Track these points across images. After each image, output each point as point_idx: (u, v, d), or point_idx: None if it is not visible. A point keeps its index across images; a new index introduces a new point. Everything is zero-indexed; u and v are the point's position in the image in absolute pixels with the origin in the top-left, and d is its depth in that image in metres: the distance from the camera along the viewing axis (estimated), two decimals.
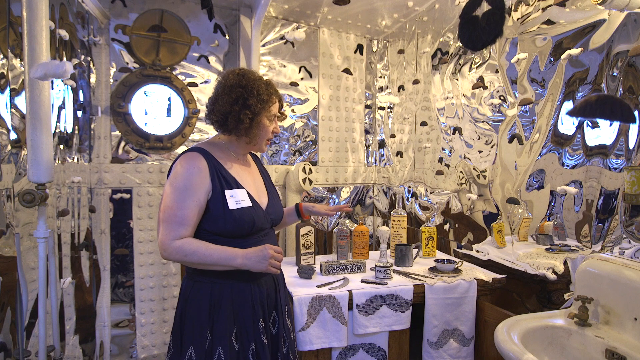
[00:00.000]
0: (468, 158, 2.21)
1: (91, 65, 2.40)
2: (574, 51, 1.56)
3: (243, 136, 1.41)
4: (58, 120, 1.95)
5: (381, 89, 3.24)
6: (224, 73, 1.44)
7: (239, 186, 1.38)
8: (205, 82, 2.70)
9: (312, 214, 1.70)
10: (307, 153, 3.08)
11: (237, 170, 1.42)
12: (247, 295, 1.36)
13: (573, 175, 1.58)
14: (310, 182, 2.90)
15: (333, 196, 3.19)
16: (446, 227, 2.41)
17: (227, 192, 1.33)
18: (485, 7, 2.04)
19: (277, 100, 1.46)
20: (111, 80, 2.49)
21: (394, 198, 2.95)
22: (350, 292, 1.67)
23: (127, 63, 2.52)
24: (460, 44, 2.23)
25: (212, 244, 1.29)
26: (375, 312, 1.68)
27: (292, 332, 1.52)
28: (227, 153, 1.43)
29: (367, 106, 3.29)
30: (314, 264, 2.05)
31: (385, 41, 3.20)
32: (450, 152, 2.37)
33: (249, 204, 1.36)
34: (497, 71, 2.00)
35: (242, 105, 1.35)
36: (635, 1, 1.23)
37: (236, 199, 1.34)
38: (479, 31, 2.07)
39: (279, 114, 1.50)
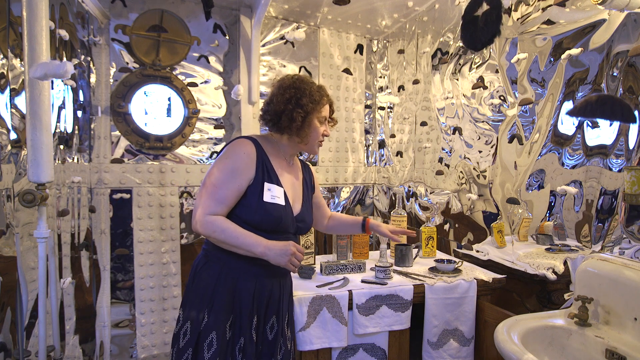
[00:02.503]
0: (468, 158, 2.21)
1: (91, 65, 2.40)
2: (574, 51, 1.56)
3: (295, 135, 1.46)
4: (58, 120, 1.95)
5: (381, 89, 3.24)
6: (281, 77, 1.52)
7: (278, 183, 1.43)
8: (205, 82, 2.70)
9: (376, 232, 1.73)
10: (307, 153, 3.08)
11: (281, 168, 1.48)
12: (250, 289, 1.38)
13: (573, 175, 1.58)
14: None
15: (333, 196, 3.19)
16: (446, 227, 2.41)
17: (266, 185, 1.39)
18: (485, 7, 2.04)
19: (328, 104, 1.53)
20: (111, 80, 2.49)
21: (394, 198, 2.95)
22: (350, 292, 1.67)
23: (127, 63, 2.52)
24: (462, 44, 2.24)
25: (241, 228, 1.33)
26: (375, 312, 1.68)
27: (289, 342, 1.52)
28: (276, 150, 1.49)
29: (367, 106, 3.29)
30: (314, 264, 2.05)
31: (385, 41, 3.20)
32: (450, 152, 2.36)
33: (282, 202, 1.41)
34: (497, 71, 2.00)
35: (295, 104, 1.42)
36: (635, 1, 1.23)
37: (272, 194, 1.39)
38: (478, 31, 2.07)
39: (330, 119, 1.57)
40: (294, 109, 1.42)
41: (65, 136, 2.06)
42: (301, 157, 1.91)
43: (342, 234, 1.97)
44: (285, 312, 1.50)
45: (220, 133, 2.76)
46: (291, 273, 1.88)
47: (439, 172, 2.46)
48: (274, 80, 1.53)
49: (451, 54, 2.34)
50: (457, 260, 2.06)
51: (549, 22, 1.70)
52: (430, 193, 2.56)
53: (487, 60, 2.06)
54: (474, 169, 2.16)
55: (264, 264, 1.37)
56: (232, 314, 1.37)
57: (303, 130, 1.45)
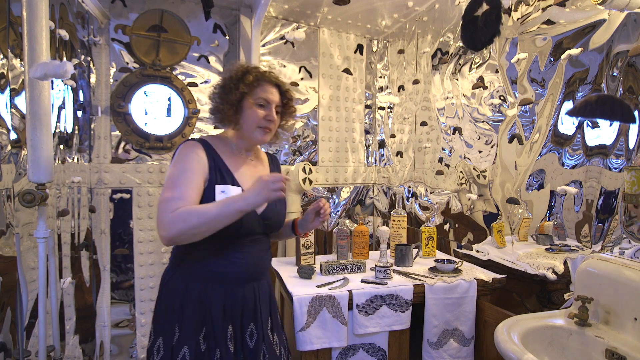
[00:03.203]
0: (468, 158, 2.21)
1: (91, 65, 2.40)
2: (574, 51, 1.56)
3: (233, 127, 1.39)
4: (58, 120, 1.95)
5: (381, 89, 3.24)
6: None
7: (234, 183, 1.33)
8: (205, 82, 2.70)
9: (305, 226, 1.57)
10: (307, 153, 3.08)
11: (237, 166, 1.39)
12: (220, 298, 1.31)
13: (573, 175, 1.58)
14: (310, 182, 2.90)
15: (333, 196, 3.19)
16: (446, 227, 2.41)
17: (218, 187, 1.29)
18: (485, 7, 2.04)
19: (270, 88, 1.38)
20: (111, 80, 2.49)
21: (394, 198, 2.95)
22: (350, 292, 1.67)
23: (127, 63, 2.52)
24: (462, 44, 2.24)
25: (210, 203, 1.23)
26: (375, 312, 1.68)
27: (277, 347, 1.44)
28: (228, 147, 1.40)
29: (367, 106, 3.29)
30: (314, 264, 2.05)
31: (385, 41, 3.20)
32: (450, 152, 2.36)
33: None
34: (497, 71, 2.00)
35: (220, 94, 1.36)
36: (635, 1, 1.23)
37: (227, 195, 1.28)
38: (478, 31, 2.08)
39: (283, 105, 1.43)
40: (223, 101, 1.36)
41: (65, 136, 2.06)
42: (267, 150, 1.71)
43: (284, 239, 1.69)
44: (266, 317, 1.43)
45: None
46: (291, 273, 1.89)
47: (439, 172, 2.46)
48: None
49: (451, 54, 2.34)
50: (457, 260, 2.06)
51: (549, 22, 1.70)
52: (430, 193, 2.56)
53: (487, 60, 2.06)
54: (474, 169, 2.16)
55: (233, 270, 1.32)
56: (204, 325, 1.30)
57: (236, 117, 1.36)
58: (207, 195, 1.28)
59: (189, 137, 1.41)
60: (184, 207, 1.19)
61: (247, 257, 1.36)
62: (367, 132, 3.30)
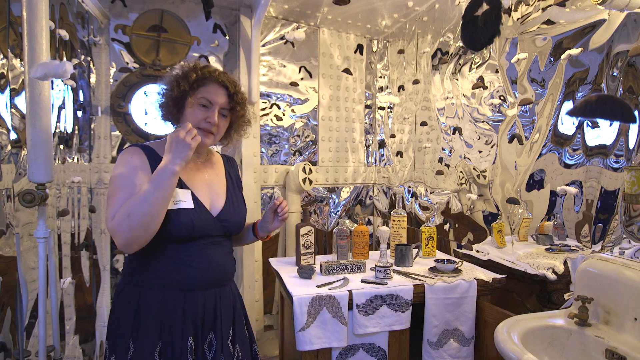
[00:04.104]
0: (468, 158, 2.21)
1: (91, 65, 2.40)
2: (574, 51, 1.56)
3: (178, 124, 1.32)
4: (58, 120, 1.95)
5: (381, 89, 3.24)
6: None
7: (182, 185, 1.26)
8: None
9: (265, 227, 1.50)
10: (307, 153, 3.08)
11: (186, 169, 1.30)
12: (178, 306, 1.23)
13: (573, 175, 1.58)
14: (310, 182, 2.90)
15: (333, 196, 3.19)
16: (446, 227, 2.41)
17: None
18: (485, 7, 2.04)
19: (216, 87, 1.30)
20: (111, 80, 2.49)
21: (394, 198, 2.95)
22: (350, 292, 1.67)
23: (127, 63, 2.52)
24: (462, 44, 2.24)
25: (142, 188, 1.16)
26: (375, 312, 1.68)
27: (238, 357, 1.35)
28: None
29: (367, 106, 3.29)
30: (314, 264, 2.05)
31: (385, 41, 3.20)
32: (450, 152, 2.37)
33: (190, 205, 1.24)
34: (497, 71, 2.00)
35: (162, 97, 1.31)
36: (635, 1, 1.23)
37: (175, 199, 1.22)
38: (478, 31, 2.08)
39: (231, 108, 1.34)
40: (164, 103, 1.31)
41: (65, 136, 2.06)
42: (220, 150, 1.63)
43: (243, 243, 1.64)
44: (229, 326, 1.34)
45: None
46: (291, 273, 1.89)
47: (439, 172, 2.46)
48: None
49: (451, 54, 2.34)
50: (457, 260, 2.06)
51: (549, 22, 1.70)
52: (430, 193, 2.56)
53: (487, 60, 2.06)
54: (474, 168, 2.16)
55: (192, 274, 1.25)
56: (160, 339, 1.21)
57: (178, 115, 1.30)
58: None
59: (130, 144, 1.36)
60: (123, 205, 1.14)
61: (206, 261, 1.28)
62: (367, 132, 3.30)
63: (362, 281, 1.78)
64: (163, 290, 1.23)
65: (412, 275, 1.86)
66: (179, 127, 1.23)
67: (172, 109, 1.30)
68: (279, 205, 1.45)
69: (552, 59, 1.68)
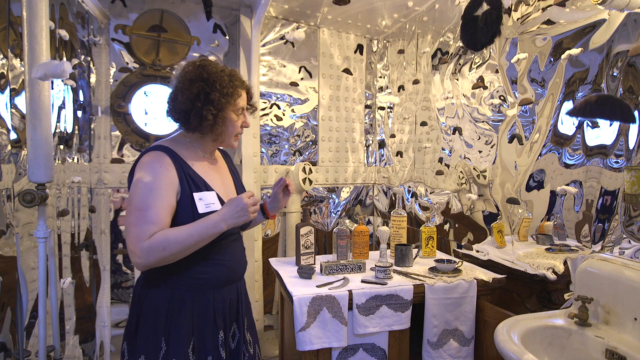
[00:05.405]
0: (468, 158, 2.21)
1: (91, 65, 2.40)
2: (574, 51, 1.56)
3: (208, 133, 1.31)
4: (58, 120, 1.95)
5: (381, 89, 3.24)
6: (184, 65, 1.31)
7: (208, 188, 1.29)
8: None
9: (275, 207, 1.55)
10: (307, 153, 3.08)
11: (205, 170, 1.33)
12: (209, 305, 1.27)
13: (573, 175, 1.58)
14: (310, 182, 2.90)
15: (333, 196, 3.19)
16: (446, 227, 2.41)
17: (196, 195, 1.24)
18: (485, 7, 2.04)
19: (244, 93, 1.36)
20: (111, 80, 2.49)
21: (394, 198, 2.95)
22: (350, 292, 1.67)
23: (127, 63, 2.52)
24: (462, 44, 2.24)
25: (183, 226, 1.18)
26: (375, 312, 1.68)
27: (250, 346, 1.43)
28: (193, 152, 1.33)
29: (367, 106, 3.29)
30: (314, 264, 2.05)
31: (385, 41, 3.20)
32: (450, 152, 2.36)
33: (218, 207, 1.27)
34: (497, 71, 2.00)
35: (204, 100, 1.25)
36: (635, 1, 1.23)
37: (205, 202, 1.25)
38: (478, 31, 2.08)
39: (249, 106, 1.41)
40: (204, 106, 1.25)
41: (65, 136, 2.06)
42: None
43: (255, 226, 1.72)
44: (244, 316, 1.41)
45: None
46: (291, 273, 1.89)
47: (439, 172, 2.46)
48: (177, 70, 1.32)
49: (451, 54, 2.34)
50: (457, 260, 2.06)
51: (549, 22, 1.70)
52: (430, 193, 2.56)
53: (487, 60, 2.06)
54: (474, 169, 2.16)
55: (221, 272, 1.29)
56: (192, 336, 1.25)
57: (217, 127, 1.29)
58: (184, 204, 1.23)
59: (152, 145, 1.30)
60: (160, 233, 1.15)
61: (232, 258, 1.35)
62: (367, 132, 3.30)
63: (362, 281, 1.78)
64: (193, 290, 1.26)
65: (412, 275, 1.86)
66: (246, 195, 1.23)
67: (210, 119, 1.26)
68: (286, 182, 1.50)
69: (552, 59, 1.68)
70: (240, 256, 1.41)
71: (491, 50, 2.03)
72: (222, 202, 1.30)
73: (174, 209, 1.22)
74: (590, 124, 1.51)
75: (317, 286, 1.71)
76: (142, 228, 1.13)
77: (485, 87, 2.07)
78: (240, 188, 1.48)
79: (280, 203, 1.53)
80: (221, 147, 1.47)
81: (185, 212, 1.22)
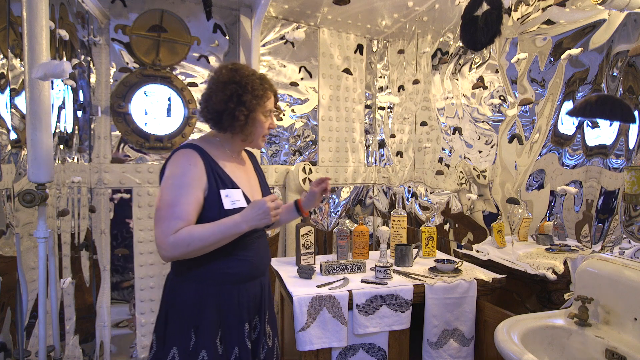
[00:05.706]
0: (468, 158, 2.21)
1: (91, 65, 2.40)
2: (574, 51, 1.56)
3: (238, 133, 1.38)
4: (58, 120, 1.95)
5: (381, 89, 3.24)
6: (217, 68, 1.40)
7: (234, 185, 1.35)
8: (205, 82, 2.70)
9: (310, 206, 1.65)
10: (307, 153, 3.08)
11: (232, 168, 1.40)
12: (234, 298, 1.33)
13: (573, 175, 1.58)
14: (310, 182, 2.90)
15: (333, 196, 3.19)
16: (446, 227, 2.41)
17: (223, 192, 1.30)
18: (485, 7, 2.04)
19: (272, 95, 1.42)
20: (111, 80, 2.49)
21: (394, 198, 2.95)
22: (350, 292, 1.67)
23: (127, 63, 2.52)
24: (462, 44, 2.24)
25: (207, 223, 1.24)
26: (375, 312, 1.68)
27: (269, 339, 1.48)
28: (222, 151, 1.40)
29: (367, 106, 3.29)
30: (314, 264, 2.05)
31: (385, 41, 3.20)
32: (450, 152, 2.36)
33: (244, 204, 1.32)
34: (497, 71, 2.00)
35: (236, 102, 1.32)
36: (635, 1, 1.23)
37: (232, 199, 1.31)
38: (478, 31, 2.08)
39: (275, 109, 1.47)
40: (236, 107, 1.32)
41: (65, 136, 2.06)
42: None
43: (286, 223, 1.82)
44: (266, 310, 1.46)
45: None
46: (291, 273, 1.89)
47: (439, 172, 2.46)
48: (210, 73, 1.42)
49: (451, 54, 2.34)
50: (457, 260, 2.06)
51: (549, 22, 1.70)
52: (430, 193, 2.56)
53: (487, 60, 2.06)
54: (474, 168, 2.16)
55: (246, 268, 1.35)
56: (220, 328, 1.31)
57: (247, 127, 1.36)
58: (211, 201, 1.29)
59: (183, 143, 1.37)
60: (186, 229, 1.21)
61: (257, 254, 1.40)
62: (367, 132, 3.30)
63: (362, 281, 1.78)
64: (218, 284, 1.32)
65: (412, 275, 1.86)
66: (268, 199, 1.27)
67: (242, 120, 1.33)
68: (327, 184, 1.60)
69: (552, 59, 1.68)
70: (264, 253, 1.46)
71: (491, 50, 2.03)
72: (247, 200, 1.36)
73: (202, 205, 1.28)
74: (590, 124, 1.51)
75: (317, 286, 1.71)
76: (170, 223, 1.21)
77: (485, 87, 2.07)
78: (264, 187, 1.54)
79: (316, 202, 1.63)
80: (248, 148, 1.54)
81: (212, 208, 1.29)
